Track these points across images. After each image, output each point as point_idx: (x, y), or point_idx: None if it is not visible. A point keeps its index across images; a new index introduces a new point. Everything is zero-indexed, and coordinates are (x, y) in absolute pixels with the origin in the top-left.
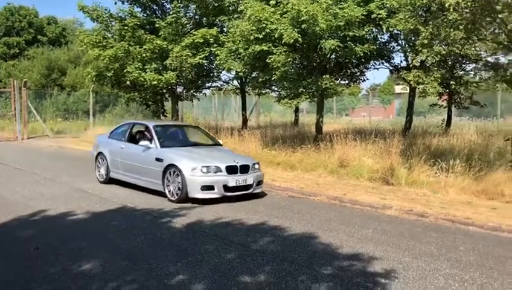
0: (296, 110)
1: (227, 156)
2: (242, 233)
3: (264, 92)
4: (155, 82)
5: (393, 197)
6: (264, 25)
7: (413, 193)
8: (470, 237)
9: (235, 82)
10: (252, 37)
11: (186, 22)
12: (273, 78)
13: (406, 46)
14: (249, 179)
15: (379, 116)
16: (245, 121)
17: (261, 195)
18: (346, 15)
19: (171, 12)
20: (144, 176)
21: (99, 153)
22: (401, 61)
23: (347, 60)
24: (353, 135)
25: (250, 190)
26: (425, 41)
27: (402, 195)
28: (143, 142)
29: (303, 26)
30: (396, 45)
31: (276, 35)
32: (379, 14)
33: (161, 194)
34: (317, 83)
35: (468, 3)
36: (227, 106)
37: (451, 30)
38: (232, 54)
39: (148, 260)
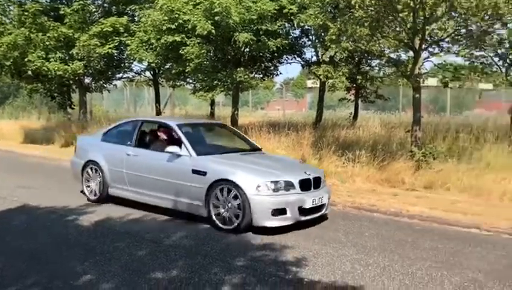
0: (212, 103)
1: (289, 166)
2: (154, 229)
3: (178, 84)
4: (60, 72)
5: None
6: (176, 16)
7: None
8: (374, 223)
9: (148, 73)
10: (164, 27)
11: (94, 9)
12: (187, 70)
13: (316, 41)
14: (324, 196)
15: (292, 110)
16: (159, 113)
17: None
18: (258, 9)
19: None
20: (172, 195)
21: (89, 162)
22: (312, 56)
23: (261, 54)
24: (267, 127)
25: (322, 211)
26: (334, 37)
27: None
28: (170, 148)
29: (216, 18)
30: (308, 40)
31: (190, 27)
32: (290, 9)
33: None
34: (231, 75)
35: (372, 2)
36: (140, 98)
37: (357, 27)
38: (144, 44)
39: (52, 261)
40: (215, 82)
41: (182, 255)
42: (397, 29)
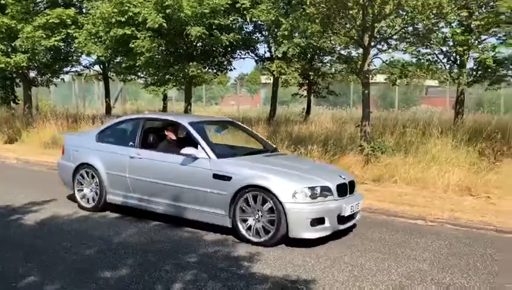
0: (164, 98)
1: (321, 169)
2: (103, 227)
3: (129, 78)
4: (2, 65)
5: None
6: (126, 8)
7: None
8: None
9: (97, 67)
10: (113, 20)
11: None
12: (137, 64)
13: (269, 37)
14: (360, 202)
15: (247, 105)
16: (109, 108)
17: None
18: (211, 2)
19: None
20: (188, 203)
21: (83, 165)
22: (265, 52)
23: (214, 49)
24: None
25: (356, 218)
26: (286, 33)
27: None
28: (187, 150)
29: (168, 11)
30: (261, 36)
31: (140, 19)
32: (243, 3)
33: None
34: (184, 70)
35: None
36: (90, 93)
37: (309, 23)
38: (92, 37)
39: None
40: (167, 76)
41: (132, 253)
42: (347, 26)
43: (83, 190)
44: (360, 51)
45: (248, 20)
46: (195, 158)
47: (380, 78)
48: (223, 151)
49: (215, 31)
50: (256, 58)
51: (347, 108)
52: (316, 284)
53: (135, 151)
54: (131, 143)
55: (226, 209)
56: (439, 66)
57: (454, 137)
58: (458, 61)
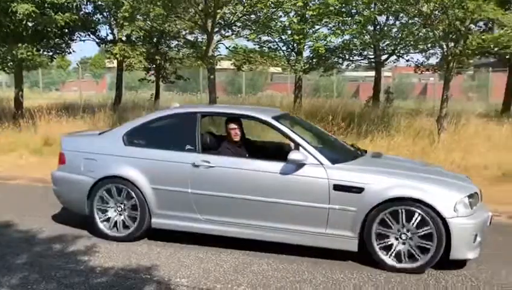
0: None
1: (445, 171)
2: None
3: None
4: None
5: None
6: None
7: None
8: None
9: None
10: None
11: None
12: None
13: (111, 19)
14: None
15: (92, 91)
16: None
17: None
18: None
19: None
20: (293, 224)
21: (110, 179)
22: (108, 35)
23: (48, 29)
24: (60, 110)
25: None
26: (127, 15)
27: None
28: (295, 155)
29: None
30: (102, 17)
31: None
32: None
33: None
34: (11, 52)
35: None
36: None
37: (151, 6)
38: None
39: None
40: None
41: None
42: (190, 10)
43: (109, 211)
44: (206, 36)
45: None
46: (301, 165)
47: (228, 64)
48: (333, 155)
49: (48, 9)
50: (98, 40)
51: (197, 93)
52: (160, 271)
53: (199, 157)
54: (188, 147)
55: (353, 230)
56: (279, 54)
57: None
58: (296, 49)
